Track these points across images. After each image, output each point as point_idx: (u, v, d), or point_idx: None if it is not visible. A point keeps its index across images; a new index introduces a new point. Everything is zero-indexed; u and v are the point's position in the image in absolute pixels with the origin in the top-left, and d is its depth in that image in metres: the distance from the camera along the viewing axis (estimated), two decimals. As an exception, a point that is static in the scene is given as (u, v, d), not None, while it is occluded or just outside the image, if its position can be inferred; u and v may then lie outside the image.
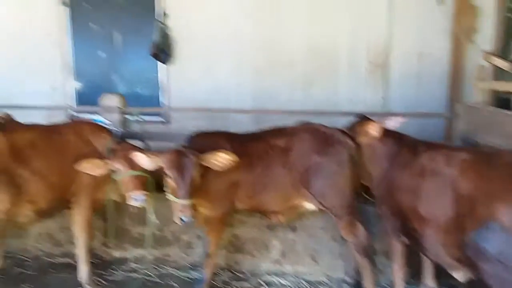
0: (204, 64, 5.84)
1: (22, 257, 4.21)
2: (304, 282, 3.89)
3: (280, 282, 3.89)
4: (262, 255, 4.04)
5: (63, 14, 6.02)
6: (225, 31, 5.69)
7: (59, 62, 6.14)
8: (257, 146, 3.36)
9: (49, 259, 4.23)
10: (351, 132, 3.28)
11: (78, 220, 3.51)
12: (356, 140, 3.23)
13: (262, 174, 3.30)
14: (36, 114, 5.59)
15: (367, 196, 3.43)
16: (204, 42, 5.76)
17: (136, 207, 3.29)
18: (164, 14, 5.73)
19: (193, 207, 2.99)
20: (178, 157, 2.94)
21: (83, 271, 3.67)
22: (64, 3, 5.97)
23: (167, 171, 2.94)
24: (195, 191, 2.96)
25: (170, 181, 2.95)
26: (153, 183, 3.33)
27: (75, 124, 3.63)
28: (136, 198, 3.19)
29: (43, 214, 3.25)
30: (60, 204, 3.34)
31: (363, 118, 3.31)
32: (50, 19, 6.00)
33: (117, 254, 4.23)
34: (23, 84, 6.14)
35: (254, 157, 3.31)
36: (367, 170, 3.21)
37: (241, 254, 4.08)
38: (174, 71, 5.92)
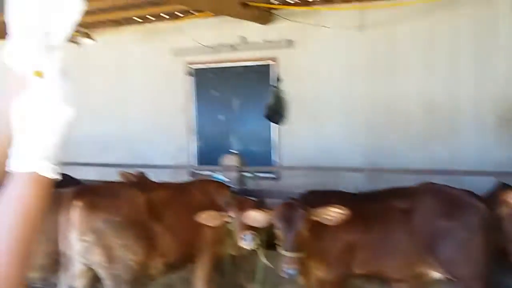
0: (315, 123, 5.99)
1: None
2: None
3: None
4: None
5: (189, 83, 6.77)
6: (336, 91, 5.83)
7: (184, 125, 6.83)
8: (374, 207, 3.26)
9: (169, 310, 4.46)
10: (490, 201, 2.99)
11: (200, 274, 3.70)
12: (496, 210, 2.92)
13: (380, 237, 3.16)
14: (164, 172, 6.25)
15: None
16: (315, 103, 5.95)
17: (247, 249, 3.35)
18: (278, 79, 6.10)
19: (301, 263, 2.95)
20: (287, 210, 2.97)
21: (201, 325, 3.80)
22: (190, 74, 6.73)
23: (275, 223, 2.99)
24: (304, 246, 2.93)
25: (279, 233, 2.99)
26: (265, 235, 3.40)
27: (201, 183, 3.96)
28: (245, 238, 3.27)
29: (171, 268, 3.50)
30: (186, 258, 3.57)
31: (504, 186, 3.00)
32: (178, 87, 6.79)
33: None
34: (154, 145, 6.92)
35: (371, 219, 3.20)
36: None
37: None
38: (286, 130, 6.16)
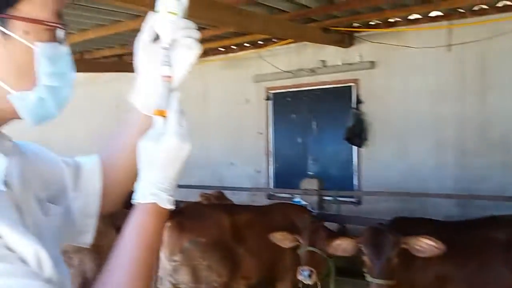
0: (399, 145, 5.76)
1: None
2: None
3: None
4: None
5: (267, 108, 6.91)
6: (422, 112, 5.57)
7: (262, 148, 6.95)
8: (469, 237, 3.02)
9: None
10: None
11: (280, 297, 3.69)
12: None
13: (476, 271, 2.91)
14: (242, 194, 6.39)
15: None
16: (399, 124, 5.74)
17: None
18: (359, 101, 5.99)
19: None
20: (375, 235, 2.85)
21: None
22: (268, 98, 6.87)
23: (363, 249, 2.86)
24: (392, 274, 2.76)
25: (366, 260, 2.86)
26: (333, 266, 3.30)
27: (282, 206, 3.98)
28: (301, 273, 3.16)
29: (252, 290, 3.53)
30: (267, 281, 3.59)
31: None
32: (257, 112, 6.95)
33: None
34: (234, 168, 7.12)
35: (465, 251, 2.97)
36: None
37: None
38: (368, 153, 6.00)
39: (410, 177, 5.60)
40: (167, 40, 0.88)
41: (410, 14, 5.31)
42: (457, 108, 5.38)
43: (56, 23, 0.74)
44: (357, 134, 5.82)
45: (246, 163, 7.05)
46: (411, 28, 5.47)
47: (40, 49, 0.72)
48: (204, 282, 3.22)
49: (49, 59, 0.74)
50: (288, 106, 6.76)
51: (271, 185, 6.84)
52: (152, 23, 0.88)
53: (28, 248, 0.66)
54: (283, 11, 4.86)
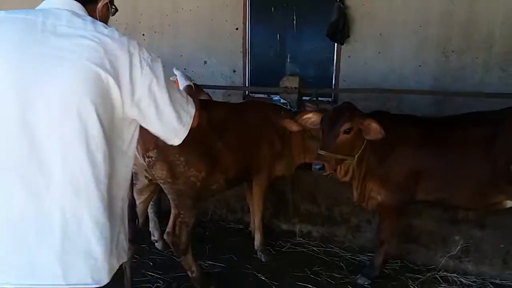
0: (383, 43, 5.53)
1: (203, 219, 4.67)
2: (491, 285, 3.47)
3: (460, 281, 3.54)
4: (439, 250, 3.74)
5: (242, 1, 6.38)
6: (408, 8, 5.28)
7: (239, 46, 6.57)
8: (449, 133, 3.03)
9: (223, 223, 4.63)
10: None
11: (256, 192, 3.78)
12: None
13: (454, 165, 2.97)
14: (218, 93, 6.21)
15: None
16: (384, 20, 5.45)
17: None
18: (343, -7, 5.59)
19: (333, 162, 2.91)
20: (332, 112, 2.96)
21: (257, 240, 3.95)
22: (246, -10, 6.30)
23: (321, 122, 2.98)
24: (343, 149, 2.90)
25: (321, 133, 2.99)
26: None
27: (258, 104, 3.87)
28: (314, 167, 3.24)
29: (229, 184, 3.56)
30: (243, 176, 3.62)
31: None
32: (233, 6, 6.44)
33: (285, 227, 4.42)
34: (207, 67, 6.80)
35: (444, 145, 3.00)
36: None
37: (414, 245, 3.85)
38: (348, 51, 5.77)
39: (390, 77, 5.50)
40: None
41: None
42: (445, 5, 5.11)
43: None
44: (340, 30, 5.50)
45: (221, 62, 6.73)
46: None
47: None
48: (181, 177, 3.17)
49: None
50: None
51: (247, 85, 6.63)
52: None
53: None
54: None
